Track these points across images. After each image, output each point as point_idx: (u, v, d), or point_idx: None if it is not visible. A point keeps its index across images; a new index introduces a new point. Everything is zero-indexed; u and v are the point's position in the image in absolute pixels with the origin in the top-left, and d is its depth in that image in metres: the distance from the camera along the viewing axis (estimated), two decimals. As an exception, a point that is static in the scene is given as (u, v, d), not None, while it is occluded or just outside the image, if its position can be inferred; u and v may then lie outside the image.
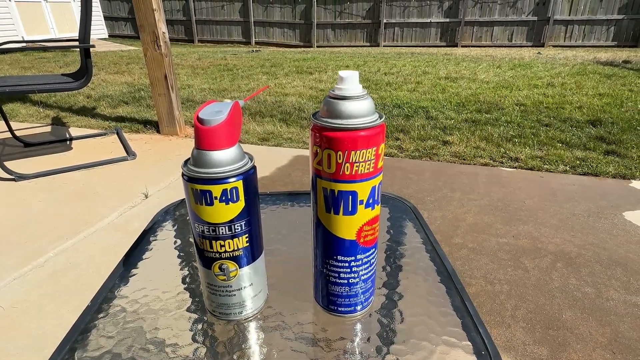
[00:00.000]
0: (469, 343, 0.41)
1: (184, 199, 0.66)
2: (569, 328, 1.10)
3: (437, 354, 0.40)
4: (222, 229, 0.38)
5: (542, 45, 8.11)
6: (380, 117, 0.36)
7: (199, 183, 0.36)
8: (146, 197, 1.84)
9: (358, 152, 0.35)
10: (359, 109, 0.35)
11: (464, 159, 2.28)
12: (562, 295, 1.22)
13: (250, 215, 0.39)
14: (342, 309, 0.43)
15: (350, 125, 0.34)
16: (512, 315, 1.15)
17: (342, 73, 0.35)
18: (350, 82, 0.35)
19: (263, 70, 5.16)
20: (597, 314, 1.14)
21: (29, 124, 2.96)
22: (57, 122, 3.01)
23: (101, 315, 0.45)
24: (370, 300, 0.45)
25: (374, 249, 0.42)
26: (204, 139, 0.36)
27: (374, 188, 0.37)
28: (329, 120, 0.35)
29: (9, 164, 2.03)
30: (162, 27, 2.45)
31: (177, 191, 1.89)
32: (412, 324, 0.43)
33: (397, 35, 8.94)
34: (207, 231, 0.38)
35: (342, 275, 0.41)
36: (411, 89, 3.96)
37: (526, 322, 1.12)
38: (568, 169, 2.13)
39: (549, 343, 1.05)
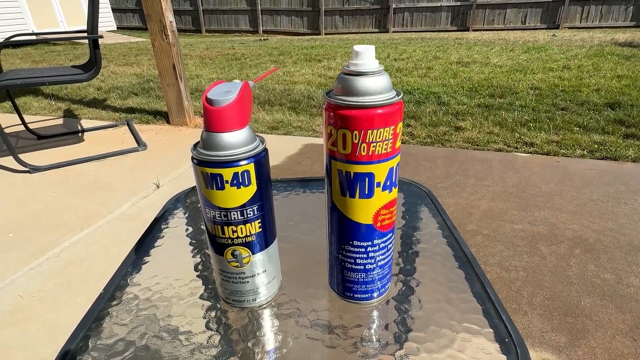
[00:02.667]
0: (491, 330, 0.39)
1: (194, 186, 0.65)
2: (587, 315, 1.07)
3: (459, 342, 0.38)
4: (234, 214, 0.37)
5: (557, 27, 7.86)
6: (398, 94, 0.34)
7: (209, 166, 0.35)
8: (157, 187, 1.85)
9: (375, 131, 0.33)
10: (376, 85, 0.33)
11: (477, 145, 2.23)
12: (581, 281, 1.19)
13: (262, 199, 0.38)
14: (359, 295, 0.42)
15: (366, 102, 0.32)
16: (529, 302, 1.12)
17: (356, 47, 0.33)
18: (366, 56, 0.33)
19: (271, 59, 5.12)
20: (617, 301, 1.12)
21: (42, 116, 2.99)
22: (68, 114, 3.03)
23: (114, 302, 0.44)
24: (387, 286, 0.43)
25: (391, 234, 0.40)
26: (214, 120, 0.34)
27: (391, 169, 0.36)
28: (344, 98, 0.33)
29: (23, 156, 2.05)
30: (170, 16, 2.43)
31: (188, 181, 1.89)
32: (431, 310, 0.42)
33: (407, 20, 8.76)
34: (218, 216, 0.37)
35: (358, 261, 0.40)
36: (422, 74, 3.88)
37: (543, 309, 1.10)
38: (586, 153, 2.08)
39: (568, 330, 1.03)
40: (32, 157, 2.15)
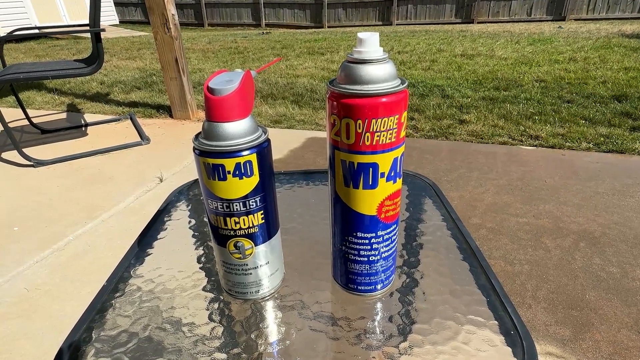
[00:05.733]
0: (497, 322, 0.39)
1: (197, 179, 0.65)
2: (592, 308, 1.07)
3: (463, 334, 0.38)
4: (236, 205, 0.36)
5: (563, 19, 7.76)
6: (403, 83, 0.33)
7: (211, 157, 0.34)
8: (161, 181, 1.85)
9: (379, 120, 0.32)
10: (380, 74, 0.32)
11: (482, 138, 2.21)
12: (586, 275, 1.19)
13: (265, 190, 0.38)
14: (362, 287, 0.42)
15: (370, 91, 0.32)
16: (533, 295, 1.12)
17: (361, 35, 0.32)
18: (370, 44, 0.32)
19: (274, 52, 5.09)
20: (623, 294, 1.11)
21: (45, 111, 2.99)
22: (72, 108, 3.04)
23: (117, 294, 0.44)
24: (391, 278, 0.43)
25: (395, 225, 0.39)
26: (215, 109, 0.34)
27: (396, 159, 0.35)
28: (348, 86, 0.33)
29: (27, 151, 2.06)
30: (172, 9, 2.41)
31: (191, 174, 1.89)
32: (435, 303, 0.42)
33: (411, 12, 8.68)
34: (220, 208, 0.37)
35: (362, 252, 0.39)
36: (426, 67, 3.85)
37: (548, 303, 1.09)
38: (591, 146, 2.05)
39: (572, 324, 1.03)
40: (36, 152, 2.16)
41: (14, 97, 2.45)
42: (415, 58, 4.29)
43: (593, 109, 2.52)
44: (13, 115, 2.71)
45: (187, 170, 1.96)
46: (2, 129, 1.96)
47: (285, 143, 2.22)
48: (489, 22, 8.13)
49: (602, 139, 2.11)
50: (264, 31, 8.27)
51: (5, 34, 2.41)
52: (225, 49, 5.48)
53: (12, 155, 2.11)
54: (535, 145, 2.11)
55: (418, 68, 3.83)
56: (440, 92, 3.03)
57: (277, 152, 2.06)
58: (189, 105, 2.67)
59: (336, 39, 6.16)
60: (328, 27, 9.07)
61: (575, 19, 7.71)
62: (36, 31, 6.10)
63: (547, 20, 7.84)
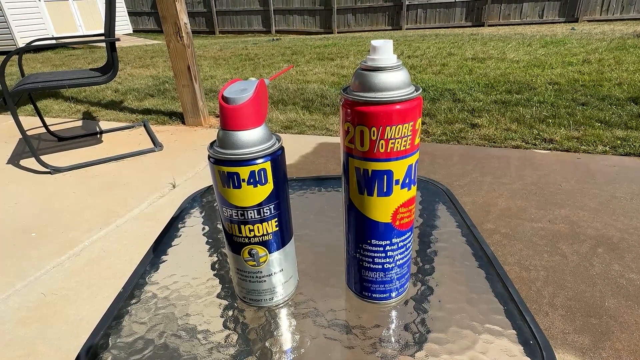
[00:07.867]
0: (515, 331, 0.38)
1: (210, 186, 0.66)
2: (612, 316, 1.04)
3: (481, 343, 0.37)
4: (250, 213, 0.37)
5: (576, 21, 7.65)
6: (417, 90, 0.33)
7: (225, 165, 0.35)
8: (174, 187, 1.87)
9: (394, 127, 0.32)
10: (394, 81, 0.32)
11: (494, 142, 2.19)
12: (604, 282, 1.16)
13: (279, 198, 0.38)
14: (377, 295, 0.41)
15: (385, 98, 0.32)
16: (550, 302, 1.10)
17: (374, 42, 0.32)
18: (384, 51, 0.32)
19: (284, 59, 5.13)
20: (644, 302, 1.08)
21: (62, 119, 3.06)
22: (87, 116, 3.10)
23: (133, 301, 0.45)
24: (406, 286, 0.42)
25: (409, 233, 0.39)
26: (230, 118, 0.34)
27: (410, 167, 0.35)
28: (362, 94, 0.33)
29: (44, 158, 2.11)
30: (184, 18, 2.46)
31: (203, 180, 1.91)
32: (451, 311, 0.41)
33: (420, 17, 8.66)
34: (235, 215, 0.37)
35: (376, 260, 0.39)
36: (436, 71, 3.83)
37: (565, 310, 1.07)
38: (608, 149, 2.01)
39: (591, 332, 1.00)
40: (53, 159, 2.21)
41: (32, 105, 2.52)
42: (426, 62, 4.28)
43: (609, 112, 2.47)
44: (31, 124, 2.79)
45: (200, 176, 1.98)
46: (21, 136, 2.01)
47: (296, 149, 2.22)
48: (500, 25, 8.06)
49: (618, 141, 2.07)
50: (274, 37, 8.34)
51: (24, 45, 2.48)
52: (236, 55, 5.54)
53: (30, 162, 2.16)
54: (550, 149, 2.07)
55: (429, 72, 3.81)
56: (451, 96, 3.01)
57: (288, 158, 2.07)
58: (201, 111, 2.70)
59: (346, 44, 6.18)
60: (338, 32, 9.11)
61: (589, 20, 7.59)
62: (53, 41, 6.27)
63: (560, 22, 7.75)
